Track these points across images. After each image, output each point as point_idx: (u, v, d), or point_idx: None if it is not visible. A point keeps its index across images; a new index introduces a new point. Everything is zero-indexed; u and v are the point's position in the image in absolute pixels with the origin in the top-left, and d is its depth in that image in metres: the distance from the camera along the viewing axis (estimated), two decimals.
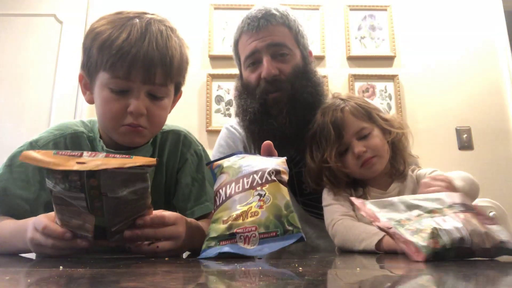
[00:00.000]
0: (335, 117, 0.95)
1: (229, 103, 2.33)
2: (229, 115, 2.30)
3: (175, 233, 0.64)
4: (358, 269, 0.52)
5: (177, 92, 0.86)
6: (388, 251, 0.75)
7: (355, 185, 0.98)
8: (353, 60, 2.44)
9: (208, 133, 2.28)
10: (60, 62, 2.35)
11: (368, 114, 0.97)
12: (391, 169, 0.98)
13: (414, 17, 2.51)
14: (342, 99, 1.00)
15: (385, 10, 2.50)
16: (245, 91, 1.10)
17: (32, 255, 0.70)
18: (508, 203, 2.14)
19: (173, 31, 0.78)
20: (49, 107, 2.28)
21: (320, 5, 2.48)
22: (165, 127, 0.90)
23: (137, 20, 0.74)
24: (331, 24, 2.47)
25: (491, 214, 2.07)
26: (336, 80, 2.39)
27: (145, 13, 0.77)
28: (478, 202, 1.92)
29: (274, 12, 1.07)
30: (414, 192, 0.95)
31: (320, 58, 2.39)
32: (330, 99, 1.05)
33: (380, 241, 0.76)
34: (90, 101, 0.80)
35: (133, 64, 0.71)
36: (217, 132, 2.17)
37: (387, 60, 2.44)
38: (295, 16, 1.12)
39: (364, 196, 0.95)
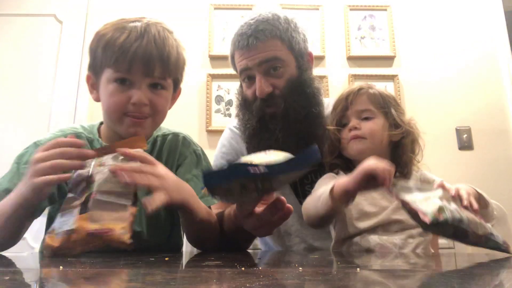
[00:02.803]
0: (351, 92, 1.00)
1: (229, 103, 2.33)
2: (229, 115, 2.30)
3: (156, 171, 0.68)
4: (358, 269, 0.52)
5: (176, 89, 0.91)
6: (340, 192, 0.76)
7: (351, 170, 1.00)
8: (353, 60, 2.44)
9: (208, 133, 2.28)
10: (60, 62, 2.35)
11: (384, 104, 0.98)
12: None
13: (414, 17, 2.51)
14: (371, 86, 1.03)
15: (385, 10, 2.50)
16: (244, 103, 1.10)
17: (31, 256, 0.70)
18: (508, 203, 2.13)
19: (170, 33, 0.85)
20: (49, 107, 2.28)
21: (320, 5, 2.48)
22: (165, 131, 0.95)
23: (137, 23, 0.82)
24: (331, 24, 2.47)
25: None
26: (336, 80, 2.39)
27: (145, 18, 0.85)
28: None
29: (264, 26, 1.03)
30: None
31: (320, 58, 2.39)
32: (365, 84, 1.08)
33: (332, 188, 0.79)
34: (97, 99, 0.86)
35: (134, 58, 0.78)
36: (217, 132, 2.17)
37: (387, 60, 2.44)
38: (288, 22, 1.07)
39: None
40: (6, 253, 0.73)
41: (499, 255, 0.71)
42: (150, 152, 0.90)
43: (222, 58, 2.34)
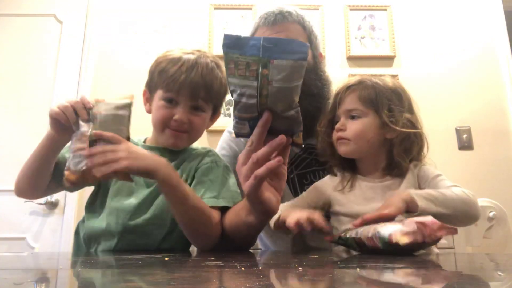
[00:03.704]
0: (341, 90, 1.01)
1: (229, 103, 2.33)
2: (229, 115, 2.30)
3: (117, 148, 0.77)
4: (358, 269, 0.52)
5: (215, 112, 1.03)
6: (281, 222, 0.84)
7: (345, 169, 1.00)
8: (353, 60, 2.44)
9: (208, 133, 2.27)
10: (60, 62, 2.35)
11: (375, 101, 0.95)
12: (388, 165, 0.97)
13: (414, 17, 2.51)
14: (368, 80, 0.99)
15: (385, 10, 2.50)
16: None
17: (31, 256, 0.70)
18: (508, 203, 2.14)
19: (217, 66, 0.98)
20: (49, 107, 2.28)
21: (320, 5, 2.48)
22: (198, 147, 1.04)
23: (191, 55, 0.95)
24: (331, 24, 2.47)
25: (491, 214, 2.07)
26: (336, 80, 2.38)
27: (199, 51, 0.99)
28: (478, 202, 1.92)
29: (291, 10, 1.10)
30: (413, 186, 0.93)
31: None
32: (367, 75, 1.05)
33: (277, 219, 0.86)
34: (149, 111, 1.01)
35: (182, 85, 0.93)
36: (217, 132, 2.16)
37: (387, 60, 2.44)
38: (309, 19, 1.16)
39: (350, 182, 0.97)
40: (6, 253, 0.74)
41: (498, 254, 0.70)
42: (179, 160, 0.99)
43: (222, 58, 2.34)
